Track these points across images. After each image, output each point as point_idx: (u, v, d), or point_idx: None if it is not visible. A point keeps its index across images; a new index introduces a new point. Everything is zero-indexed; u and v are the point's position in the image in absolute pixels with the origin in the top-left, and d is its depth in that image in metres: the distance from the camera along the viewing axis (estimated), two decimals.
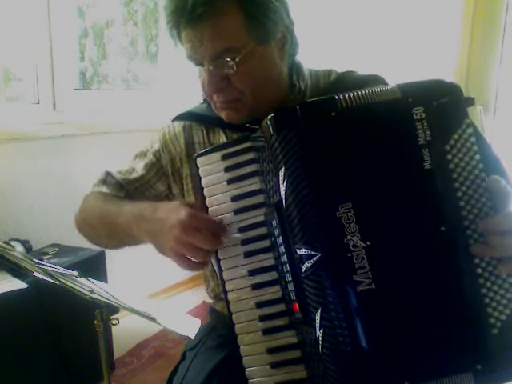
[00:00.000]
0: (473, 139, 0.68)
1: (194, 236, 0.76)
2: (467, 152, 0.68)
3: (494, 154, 0.84)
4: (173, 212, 0.79)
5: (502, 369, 0.69)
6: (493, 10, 2.40)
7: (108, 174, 1.05)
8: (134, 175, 1.03)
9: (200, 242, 0.76)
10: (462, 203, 0.68)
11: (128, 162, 1.10)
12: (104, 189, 1.03)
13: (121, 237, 0.95)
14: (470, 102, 0.70)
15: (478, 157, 0.68)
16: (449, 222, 0.68)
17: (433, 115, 0.69)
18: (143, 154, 1.06)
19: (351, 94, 0.70)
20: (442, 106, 0.69)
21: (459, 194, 0.68)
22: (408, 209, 0.69)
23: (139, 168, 1.04)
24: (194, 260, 0.79)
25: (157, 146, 1.04)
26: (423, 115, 0.69)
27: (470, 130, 0.69)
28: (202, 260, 0.80)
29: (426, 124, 0.69)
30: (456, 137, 0.68)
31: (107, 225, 0.96)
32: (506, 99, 2.46)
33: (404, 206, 0.69)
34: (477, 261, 0.68)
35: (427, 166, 0.69)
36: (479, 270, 0.68)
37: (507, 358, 0.68)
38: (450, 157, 0.68)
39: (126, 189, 1.03)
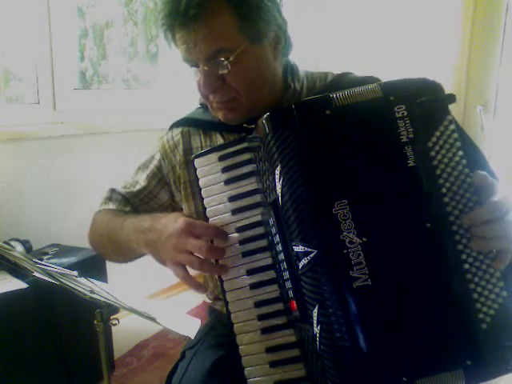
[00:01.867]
0: (455, 135, 0.69)
1: (190, 243, 0.76)
2: (450, 148, 0.69)
3: (477, 149, 0.84)
4: (171, 222, 0.81)
5: (492, 365, 0.69)
6: (493, 10, 2.40)
7: (113, 190, 1.07)
8: (138, 187, 1.05)
9: (196, 249, 0.76)
10: (447, 199, 0.69)
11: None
12: (111, 205, 1.05)
13: (124, 252, 0.97)
14: (451, 99, 0.71)
15: (461, 152, 0.69)
16: (434, 219, 0.69)
17: (414, 113, 0.69)
18: (145, 166, 1.07)
19: (345, 93, 0.71)
20: (424, 104, 0.69)
21: (444, 190, 0.69)
22: (396, 206, 0.70)
23: (142, 180, 1.05)
24: (192, 273, 0.79)
25: (157, 156, 1.05)
26: (405, 113, 0.70)
27: (452, 127, 0.69)
28: (201, 269, 0.79)
29: (408, 122, 0.69)
30: (438, 133, 0.69)
31: (112, 242, 0.98)
32: (506, 99, 2.46)
33: (393, 203, 0.70)
34: (464, 256, 0.69)
35: (411, 164, 0.69)
36: (466, 266, 0.69)
37: (496, 353, 0.68)
38: (433, 153, 0.69)
39: (132, 202, 1.05)
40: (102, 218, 1.04)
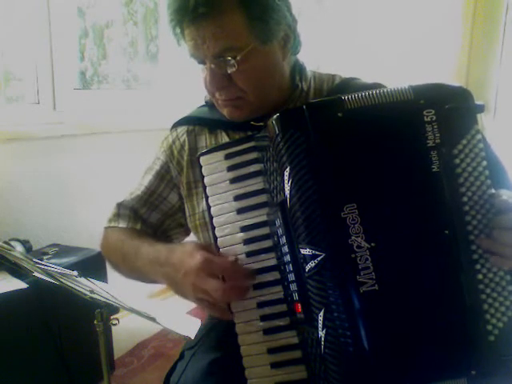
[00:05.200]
0: (481, 145, 0.69)
1: (208, 283, 0.75)
2: (475, 158, 0.69)
3: (499, 161, 0.84)
4: (187, 256, 0.79)
5: (496, 376, 0.69)
6: (493, 10, 2.40)
7: (119, 205, 1.05)
8: (144, 189, 1.03)
9: (214, 290, 0.75)
10: (467, 208, 0.68)
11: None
12: (121, 224, 1.03)
13: (140, 277, 0.97)
14: (481, 108, 0.70)
15: (484, 163, 0.68)
16: (453, 226, 0.68)
17: (443, 119, 0.69)
18: (151, 169, 1.05)
19: (358, 95, 0.70)
20: (453, 111, 0.69)
21: (465, 198, 0.68)
22: (414, 210, 0.69)
23: (149, 183, 1.03)
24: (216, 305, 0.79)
25: (163, 157, 1.03)
26: (434, 118, 0.69)
27: (478, 137, 0.69)
28: (222, 303, 0.79)
29: (435, 127, 0.69)
30: (465, 142, 0.69)
31: (128, 266, 0.98)
32: (506, 99, 2.46)
33: (410, 207, 0.69)
34: (478, 266, 0.68)
35: (435, 169, 0.69)
36: (480, 276, 0.68)
37: (502, 365, 0.68)
38: (457, 161, 0.68)
39: (141, 214, 1.03)
40: (114, 238, 1.02)
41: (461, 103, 0.70)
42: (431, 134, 0.69)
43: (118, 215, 1.04)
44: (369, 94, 0.70)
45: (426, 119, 0.69)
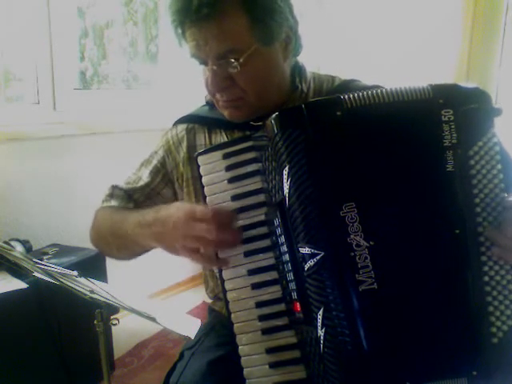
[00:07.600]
0: (497, 148, 0.69)
1: (198, 228, 0.76)
2: (490, 160, 0.69)
3: None
4: (174, 211, 0.80)
5: (497, 378, 0.69)
6: (493, 10, 2.40)
7: (114, 187, 1.06)
8: (141, 183, 1.04)
9: (205, 233, 0.76)
10: (479, 209, 0.69)
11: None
12: (113, 202, 1.04)
13: (130, 247, 0.96)
14: (499, 112, 0.71)
15: (499, 166, 0.69)
16: (463, 226, 0.68)
17: (461, 119, 0.69)
18: (148, 162, 1.06)
19: (357, 95, 0.70)
20: (472, 112, 0.69)
21: (477, 200, 0.69)
22: (422, 208, 0.69)
23: (145, 176, 1.04)
24: (208, 254, 0.79)
25: (161, 152, 1.04)
26: (451, 118, 0.69)
27: (495, 139, 0.69)
28: (214, 250, 0.79)
29: (453, 127, 0.69)
30: (481, 144, 0.69)
31: (116, 237, 0.97)
32: (506, 99, 2.46)
33: (418, 205, 0.69)
34: (486, 268, 0.68)
35: (449, 168, 0.69)
36: (486, 278, 0.68)
37: (504, 367, 0.68)
38: (472, 162, 0.69)
39: (135, 198, 1.04)
40: (104, 214, 1.03)
41: (480, 105, 0.70)
42: (448, 134, 0.69)
43: (111, 195, 1.05)
44: (371, 94, 0.70)
45: (443, 119, 0.69)
